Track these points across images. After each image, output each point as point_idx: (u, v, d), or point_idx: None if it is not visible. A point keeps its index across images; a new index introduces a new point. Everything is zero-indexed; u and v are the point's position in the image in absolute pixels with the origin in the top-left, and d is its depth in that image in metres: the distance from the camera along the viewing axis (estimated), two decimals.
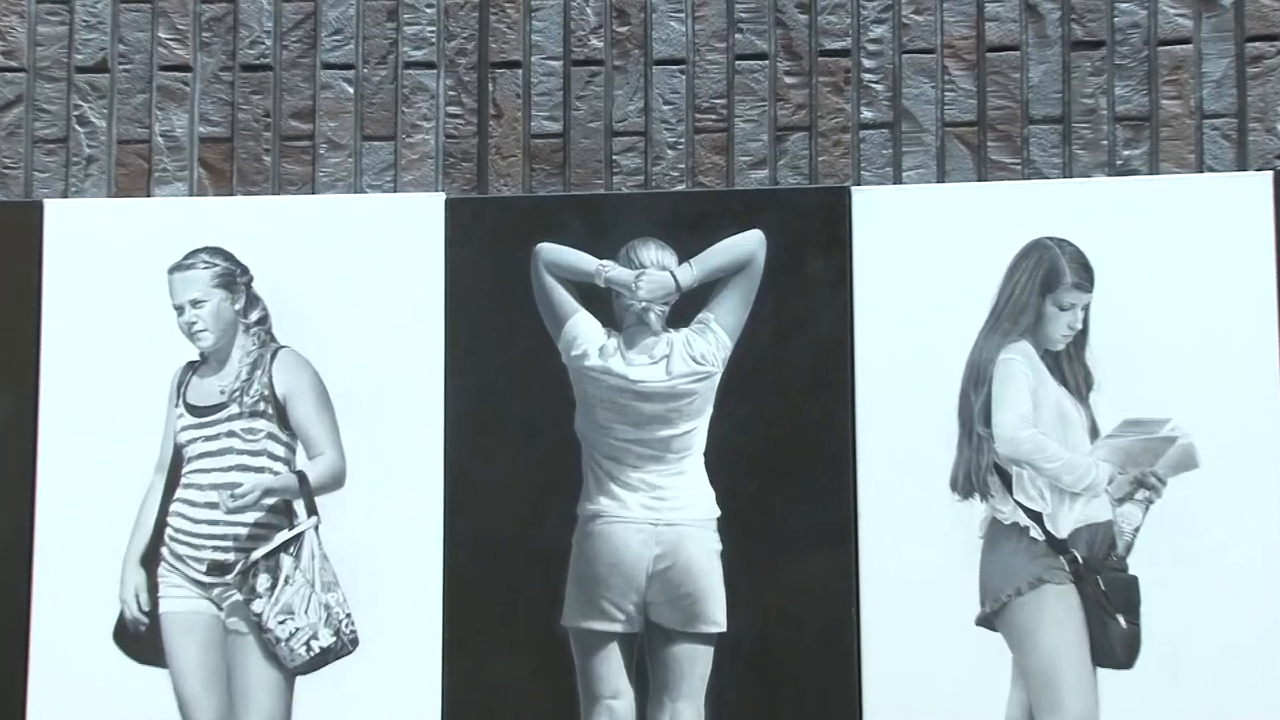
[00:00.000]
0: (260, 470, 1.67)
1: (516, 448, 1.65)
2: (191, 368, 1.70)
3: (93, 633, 1.63)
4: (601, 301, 1.67)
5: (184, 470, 1.67)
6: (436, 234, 1.69)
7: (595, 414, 1.64)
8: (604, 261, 1.66)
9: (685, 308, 1.66)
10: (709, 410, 1.64)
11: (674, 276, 1.65)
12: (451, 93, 1.72)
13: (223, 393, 1.68)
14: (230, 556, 1.65)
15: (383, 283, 1.68)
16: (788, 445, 1.62)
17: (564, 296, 1.66)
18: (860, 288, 1.64)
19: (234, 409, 1.67)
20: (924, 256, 1.62)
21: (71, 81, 1.69)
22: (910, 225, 1.64)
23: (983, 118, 1.67)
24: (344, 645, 1.62)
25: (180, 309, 1.69)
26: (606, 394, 1.64)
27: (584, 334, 1.65)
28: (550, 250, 1.67)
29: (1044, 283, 1.59)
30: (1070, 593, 1.56)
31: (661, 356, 1.65)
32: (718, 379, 1.64)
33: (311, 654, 1.61)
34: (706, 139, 1.70)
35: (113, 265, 1.68)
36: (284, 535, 1.65)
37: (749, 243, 1.65)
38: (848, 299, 1.62)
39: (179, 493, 1.67)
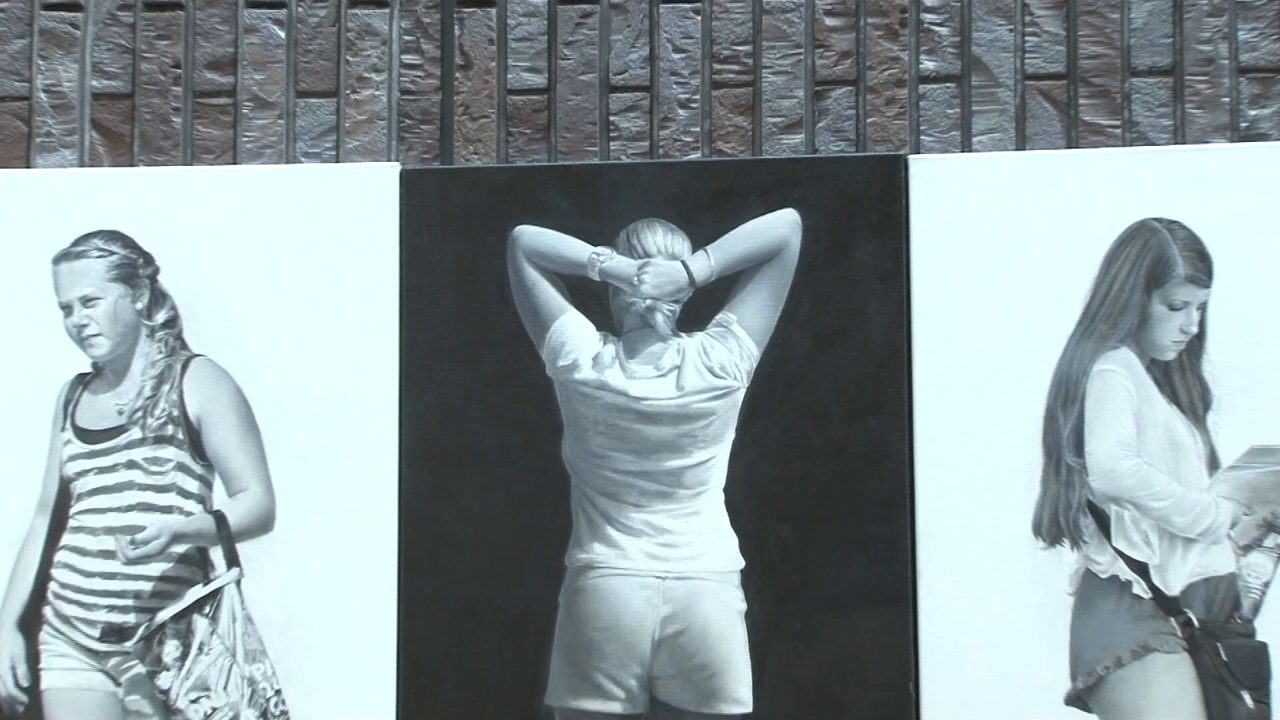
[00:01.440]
0: (168, 510, 1.65)
1: (488, 483, 1.63)
2: (82, 382, 1.68)
3: None
4: (596, 299, 1.64)
5: (72, 510, 1.66)
6: (389, 215, 1.67)
7: (588, 440, 1.61)
8: (599, 249, 1.64)
9: (701, 307, 1.63)
10: (730, 435, 1.62)
11: (686, 268, 1.63)
12: (408, 37, 1.71)
13: (121, 413, 1.66)
14: (130, 618, 1.63)
15: (322, 277, 1.67)
16: (829, 480, 1.59)
17: (549, 293, 1.63)
18: (919, 282, 1.61)
19: (135, 434, 1.66)
20: (999, 243, 1.60)
21: None
22: (982, 204, 1.61)
23: (1073, 69, 1.65)
24: None
25: (68, 308, 1.67)
26: (602, 414, 1.61)
27: (574, 339, 1.63)
28: (532, 235, 1.64)
29: (1150, 276, 1.57)
30: (1183, 663, 1.53)
31: (671, 368, 1.62)
32: (741, 396, 1.62)
33: None
34: (727, 96, 1.69)
35: None
36: (197, 592, 1.63)
37: (780, 226, 1.63)
38: (903, 296, 1.60)
39: (66, 538, 1.65)
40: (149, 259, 1.67)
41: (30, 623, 1.64)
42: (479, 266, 1.65)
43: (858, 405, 1.59)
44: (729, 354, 1.62)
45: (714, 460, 1.61)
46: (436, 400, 1.64)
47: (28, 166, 1.70)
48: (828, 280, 1.62)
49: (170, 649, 1.60)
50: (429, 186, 1.67)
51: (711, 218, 1.63)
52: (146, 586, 1.63)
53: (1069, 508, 1.55)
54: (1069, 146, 1.64)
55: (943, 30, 1.66)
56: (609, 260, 1.63)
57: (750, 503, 1.60)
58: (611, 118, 1.71)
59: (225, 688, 1.60)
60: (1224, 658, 1.51)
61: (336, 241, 1.67)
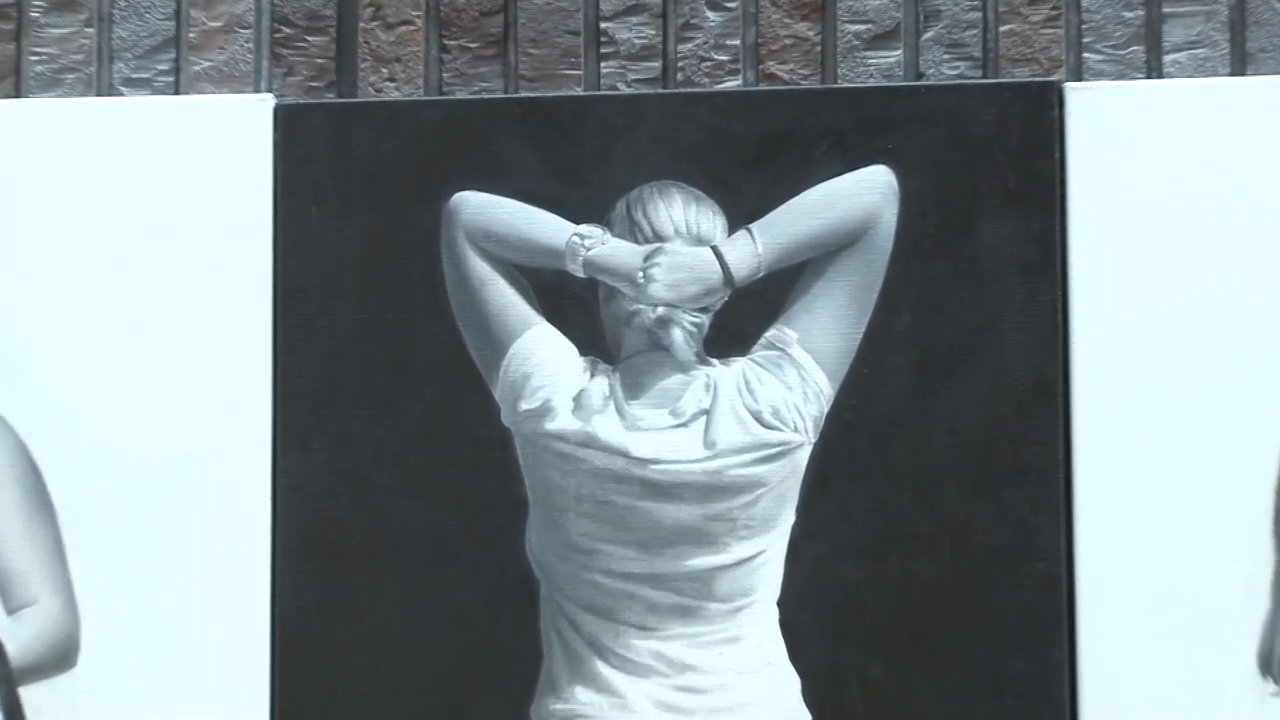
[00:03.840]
0: None
1: (410, 593, 1.62)
2: None
3: None
4: (579, 306, 1.63)
5: None
6: (258, 176, 1.67)
7: (567, 525, 1.60)
8: (584, 229, 1.61)
9: (742, 319, 1.61)
10: (788, 518, 1.60)
11: (720, 257, 1.59)
12: None
13: None
14: None
15: (151, 275, 1.68)
16: (944, 587, 1.59)
17: (506, 296, 1.63)
18: (1082, 280, 1.60)
19: None
20: (1208, 217, 1.60)
21: None
22: (1180, 156, 1.61)
23: None
24: None
25: None
26: (589, 486, 1.60)
27: (545, 368, 1.61)
28: (480, 207, 1.64)
29: None
30: None
31: (696, 413, 1.60)
32: (805, 457, 1.60)
33: None
34: None
35: None
36: None
37: (865, 193, 1.60)
38: (1056, 302, 1.59)
39: None
40: None
41: None
42: (396, 256, 1.64)
43: (988, 470, 1.59)
44: (786, 392, 1.59)
45: (763, 557, 1.59)
46: (328, 464, 1.63)
47: None
48: (940, 277, 1.60)
49: None
50: (319, 131, 1.66)
51: (758, 180, 1.62)
52: None
53: None
54: None
55: None
56: (599, 246, 1.60)
57: (819, 623, 1.59)
58: (603, 24, 1.71)
59: None
60: None
61: (174, 218, 1.68)
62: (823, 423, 1.59)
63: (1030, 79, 1.66)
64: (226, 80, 1.74)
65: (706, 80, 1.70)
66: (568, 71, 1.71)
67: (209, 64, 1.74)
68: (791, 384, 1.59)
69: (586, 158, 1.63)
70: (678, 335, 1.60)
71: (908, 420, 1.59)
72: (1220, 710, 1.56)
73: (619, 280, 1.60)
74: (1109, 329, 1.59)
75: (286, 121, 1.67)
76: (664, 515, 1.59)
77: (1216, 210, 1.59)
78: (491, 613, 1.61)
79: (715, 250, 1.59)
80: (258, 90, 1.73)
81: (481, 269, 1.62)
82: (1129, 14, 1.68)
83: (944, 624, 1.57)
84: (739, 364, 1.60)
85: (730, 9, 1.70)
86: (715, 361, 1.60)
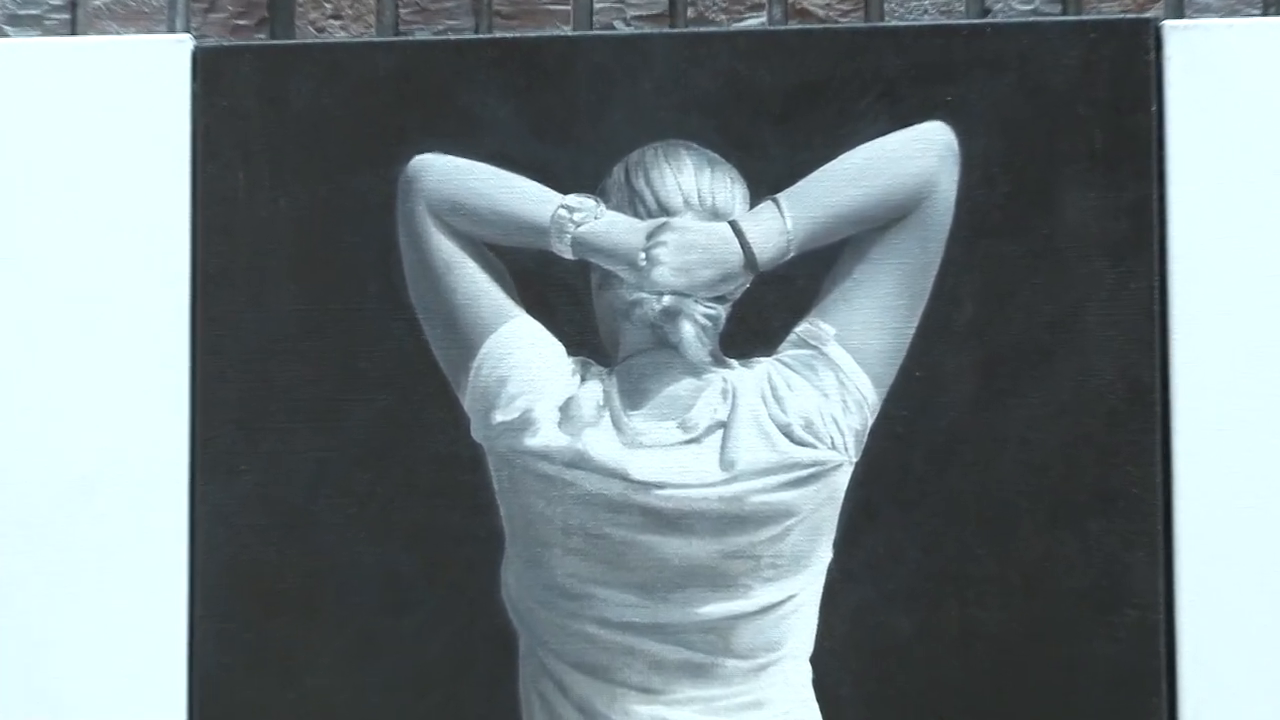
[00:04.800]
0: None
1: (358, 648, 1.62)
2: None
3: None
4: (566, 294, 1.62)
5: None
6: (174, 133, 1.66)
7: (550, 564, 1.60)
8: (573, 199, 1.60)
9: (766, 310, 1.61)
10: (824, 554, 1.58)
11: (740, 234, 1.58)
12: None
13: None
14: None
15: (41, 259, 1.68)
16: (1016, 640, 1.57)
17: (478, 283, 1.62)
18: (1183, 260, 1.58)
19: None
20: None
21: None
22: None
23: None
24: None
25: None
26: (579, 516, 1.59)
27: (525, 371, 1.61)
28: (445, 173, 1.63)
29: None
30: None
31: (710, 426, 1.58)
32: (845, 479, 1.59)
33: None
34: None
35: None
36: None
37: (919, 155, 1.59)
38: (1154, 288, 1.58)
39: None
40: None
41: None
42: (342, 233, 1.63)
43: (1069, 497, 1.58)
44: (821, 400, 1.58)
45: (793, 604, 1.58)
46: (259, 490, 1.63)
47: None
48: (1010, 259, 1.59)
49: None
50: (247, 80, 1.66)
51: (787, 140, 1.60)
52: None
53: None
54: None
55: None
56: (592, 221, 1.58)
57: (862, 685, 1.58)
58: None
59: None
60: None
61: (68, 187, 1.67)
62: (866, 438, 1.58)
63: (1121, 15, 1.70)
64: (134, 18, 1.78)
65: (723, 17, 1.74)
66: (552, 6, 1.75)
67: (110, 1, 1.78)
68: (828, 390, 1.57)
69: (575, 112, 1.62)
70: (688, 330, 1.58)
71: (971, 435, 1.57)
72: None
73: (616, 263, 1.58)
74: (1218, 323, 1.58)
75: (208, 68, 1.65)
76: (671, 552, 1.57)
77: None
78: (459, 672, 1.59)
79: (734, 226, 1.57)
80: (172, 30, 1.73)
81: (447, 249, 1.60)
82: None
83: (1015, 685, 1.57)
84: (763, 366, 1.58)
85: None
86: (734, 363, 1.58)
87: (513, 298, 1.60)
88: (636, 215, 1.58)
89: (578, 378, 1.59)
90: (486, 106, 1.62)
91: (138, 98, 1.65)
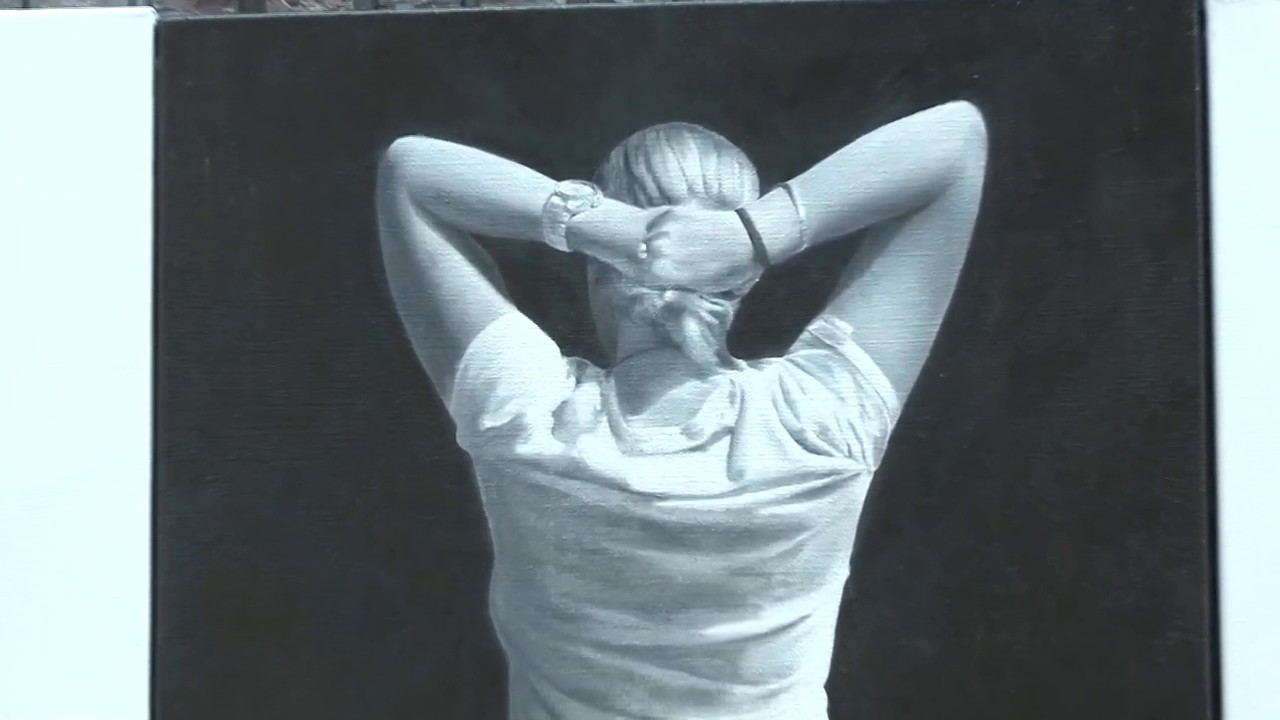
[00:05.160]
0: None
1: (335, 672, 1.59)
2: None
3: None
4: (560, 290, 1.61)
5: None
6: (136, 112, 1.64)
7: (543, 582, 1.59)
8: (567, 186, 1.59)
9: (777, 307, 1.59)
10: (840, 571, 1.58)
11: (749, 224, 1.56)
12: None
13: None
14: None
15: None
16: (1050, 666, 1.55)
17: (465, 277, 1.60)
18: (1228, 252, 1.58)
19: None
20: None
21: None
22: None
23: None
24: None
25: None
26: (573, 529, 1.58)
27: (515, 371, 1.60)
28: (428, 158, 1.62)
29: None
30: None
31: (717, 432, 1.57)
32: (863, 490, 1.57)
33: None
34: None
35: None
36: None
37: (943, 138, 1.58)
38: (1199, 282, 1.57)
39: None
40: None
41: None
42: (317, 223, 1.62)
43: (1107, 509, 1.57)
44: (837, 404, 1.57)
45: (805, 625, 1.57)
46: (226, 501, 1.62)
47: None
48: (1042, 250, 1.59)
49: None
50: (214, 57, 1.65)
51: (800, 121, 1.60)
52: None
53: None
54: None
55: None
56: (588, 210, 1.57)
57: (881, 713, 1.59)
58: None
59: None
60: None
61: (22, 173, 1.66)
62: (886, 445, 1.57)
63: None
64: None
65: None
66: None
67: None
68: (844, 393, 1.56)
69: (570, 92, 1.62)
70: (692, 328, 1.57)
71: (999, 442, 1.57)
72: None
73: (614, 255, 1.57)
74: (1267, 320, 1.60)
75: (171, 44, 1.65)
76: (674, 569, 1.57)
77: None
78: (444, 699, 1.59)
79: (742, 215, 1.55)
80: (133, 2, 1.74)
81: (431, 240, 1.59)
82: None
83: (1047, 714, 1.57)
84: (774, 367, 1.57)
85: None
86: (742, 363, 1.57)
87: (502, 293, 1.58)
88: (636, 203, 1.56)
89: (572, 380, 1.57)
90: (473, 86, 1.61)
91: (95, 76, 1.64)
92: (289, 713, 1.61)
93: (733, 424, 1.57)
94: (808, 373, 1.57)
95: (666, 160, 1.58)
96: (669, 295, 1.56)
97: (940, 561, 1.57)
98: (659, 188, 1.57)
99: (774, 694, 1.56)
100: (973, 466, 1.58)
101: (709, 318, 1.56)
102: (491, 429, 1.58)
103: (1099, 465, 1.57)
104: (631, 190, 1.58)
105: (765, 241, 1.56)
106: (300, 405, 1.62)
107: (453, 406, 1.59)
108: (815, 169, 1.57)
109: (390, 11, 1.75)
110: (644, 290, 1.56)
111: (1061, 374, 1.57)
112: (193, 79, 1.64)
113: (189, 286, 1.63)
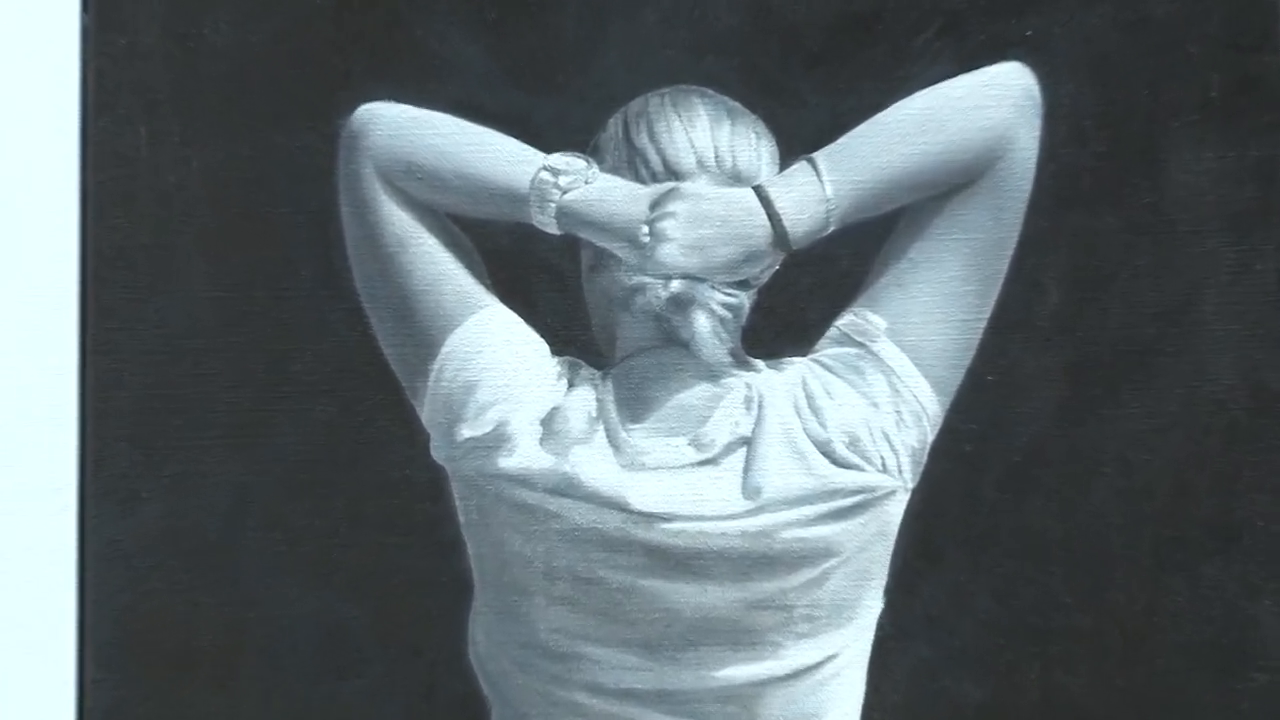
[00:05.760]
0: None
1: (291, 715, 1.52)
2: None
3: None
4: (551, 279, 1.55)
5: None
6: (61, 77, 1.59)
7: (531, 615, 1.50)
8: (557, 159, 1.50)
9: (800, 298, 1.53)
10: (874, 605, 1.50)
11: (766, 203, 1.48)
12: None
13: None
14: None
15: None
16: (1115, 712, 1.49)
17: (440, 264, 1.53)
18: None
19: None
20: None
21: None
22: None
23: None
24: None
25: None
26: (565, 555, 1.50)
27: (498, 373, 1.52)
28: (398, 127, 1.54)
29: None
30: None
31: (731, 443, 1.49)
32: (899, 509, 1.49)
33: None
34: None
35: None
36: None
37: (991, 102, 1.49)
38: None
39: None
40: None
41: None
42: (269, 202, 1.56)
43: (1180, 532, 1.50)
44: (870, 410, 1.49)
45: (834, 666, 1.48)
46: (164, 522, 1.54)
47: None
48: (1105, 234, 1.53)
49: None
50: (151, 12, 1.59)
51: (826, 85, 1.54)
52: None
53: None
54: None
55: None
56: (582, 187, 1.50)
57: None
58: None
59: None
60: None
61: None
62: (925, 458, 1.48)
63: None
64: None
65: None
66: None
67: None
68: (878, 399, 1.48)
69: (561, 51, 1.55)
70: (702, 323, 1.47)
71: (1057, 455, 1.50)
72: None
73: (612, 238, 1.47)
74: None
75: (104, 10, 1.58)
76: (681, 601, 1.47)
77: None
78: None
79: (760, 192, 1.45)
80: None
81: (401, 222, 1.50)
82: None
83: None
84: (797, 368, 1.48)
85: None
86: (760, 364, 1.48)
87: (483, 283, 1.49)
88: (638, 179, 1.46)
89: (564, 383, 1.48)
90: (450, 43, 1.54)
91: (14, 33, 1.57)
92: None
93: (749, 434, 1.47)
94: (836, 375, 1.48)
95: (672, 129, 1.49)
96: (675, 285, 1.46)
97: (988, 593, 1.50)
98: (663, 161, 1.47)
99: None
100: (1025, 483, 1.51)
101: (721, 311, 1.47)
102: (470, 440, 1.49)
103: (1171, 481, 1.50)
104: (632, 164, 1.48)
105: (786, 223, 1.46)
106: (250, 412, 1.54)
107: (426, 414, 1.50)
108: (844, 139, 1.47)
109: None
110: (646, 279, 1.46)
111: (1127, 376, 1.51)
112: (127, 36, 1.56)
113: (121, 276, 1.55)
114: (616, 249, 1.47)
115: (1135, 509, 1.50)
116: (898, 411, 1.48)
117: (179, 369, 1.54)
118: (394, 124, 1.51)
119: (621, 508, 1.46)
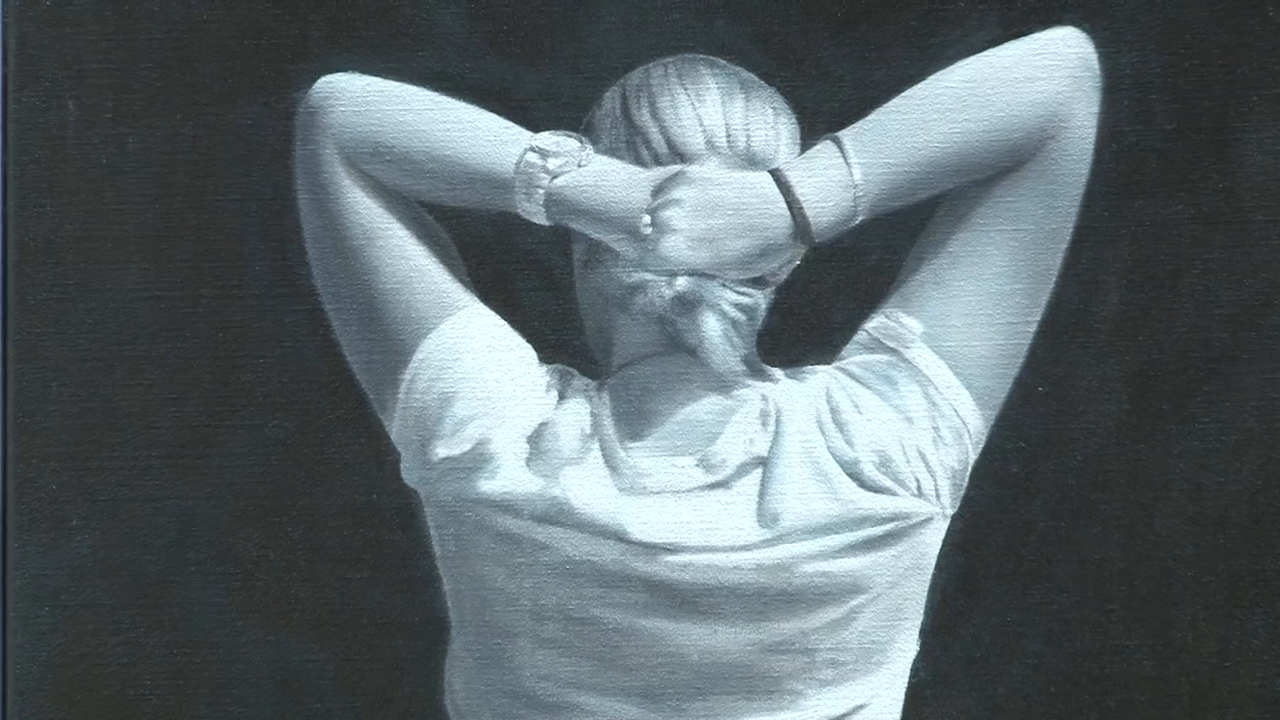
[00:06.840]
0: None
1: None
2: None
3: None
4: (539, 275, 1.51)
5: None
6: None
7: (516, 659, 1.42)
8: (546, 138, 1.41)
9: (823, 295, 1.49)
10: (907, 646, 1.42)
11: (786, 189, 1.37)
12: None
13: None
14: None
15: None
16: None
17: (410, 258, 1.43)
18: None
19: None
20: None
21: None
22: None
23: None
24: None
25: None
26: (554, 590, 1.41)
27: (478, 384, 1.42)
28: (364, 103, 1.45)
29: None
30: None
31: (743, 463, 1.38)
32: (939, 538, 1.40)
33: None
34: None
35: None
36: None
37: (1042, 74, 1.40)
38: None
39: None
40: None
41: None
42: (215, 188, 1.50)
43: (1257, 563, 1.45)
44: (903, 426, 1.40)
45: (860, 717, 1.40)
46: (98, 554, 1.48)
47: None
48: (1172, 225, 1.47)
49: None
50: None
51: (854, 54, 1.49)
52: None
53: None
54: None
55: None
56: (573, 170, 1.40)
57: None
58: None
59: None
60: None
61: None
62: (967, 481, 1.38)
63: None
64: None
65: None
66: None
67: None
68: (912, 413, 1.39)
69: (549, 17, 1.51)
70: (712, 327, 1.37)
71: (1118, 477, 1.44)
72: None
73: (609, 229, 1.37)
74: None
75: None
76: (688, 643, 1.38)
77: None
78: None
79: (778, 177, 1.35)
80: None
81: (367, 211, 1.41)
82: None
83: None
84: (821, 378, 1.38)
85: None
86: (778, 373, 1.39)
87: (461, 281, 1.40)
88: (639, 162, 1.36)
89: (553, 395, 1.40)
90: (421, 6, 1.50)
91: None
92: None
93: (765, 453, 1.37)
94: (864, 385, 1.38)
95: (678, 104, 1.39)
96: (681, 283, 1.36)
97: (1039, 634, 1.46)
98: (667, 141, 1.37)
99: None
100: (1081, 509, 1.47)
101: (733, 313, 1.37)
102: (447, 460, 1.40)
103: (1246, 507, 1.45)
104: (631, 144, 1.38)
105: (808, 212, 1.35)
106: (195, 429, 1.49)
107: (395, 430, 1.41)
108: (874, 116, 1.36)
109: None
110: (648, 277, 1.36)
111: (1198, 387, 1.46)
112: (54, 2, 1.54)
113: (45, 273, 1.50)
114: (613, 241, 1.37)
115: (1206, 539, 1.45)
116: (935, 427, 1.39)
117: (114, 379, 1.49)
118: (358, 98, 1.42)
119: (619, 537, 1.37)
